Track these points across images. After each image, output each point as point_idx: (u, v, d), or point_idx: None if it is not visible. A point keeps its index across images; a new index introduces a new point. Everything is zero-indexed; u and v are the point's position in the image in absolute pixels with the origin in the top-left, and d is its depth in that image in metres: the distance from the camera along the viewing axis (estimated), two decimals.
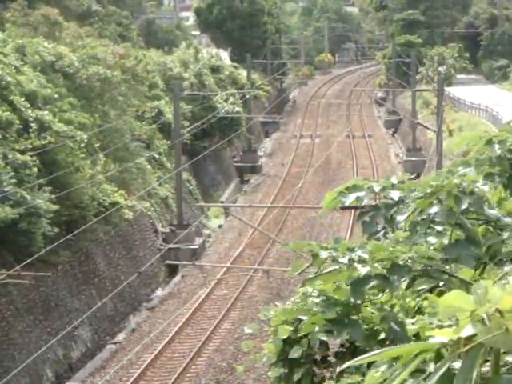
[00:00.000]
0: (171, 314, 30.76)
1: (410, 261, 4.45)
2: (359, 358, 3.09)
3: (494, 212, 4.81)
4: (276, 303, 5.12)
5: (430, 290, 4.87)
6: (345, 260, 4.43)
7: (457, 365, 2.88)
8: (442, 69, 73.14)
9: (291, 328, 4.94)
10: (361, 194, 5.02)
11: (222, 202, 48.63)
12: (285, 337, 4.94)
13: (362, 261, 4.43)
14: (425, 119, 58.99)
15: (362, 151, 64.34)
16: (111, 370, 26.50)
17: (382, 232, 5.08)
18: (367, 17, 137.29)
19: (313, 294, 4.91)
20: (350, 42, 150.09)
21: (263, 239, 40.20)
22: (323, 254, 4.49)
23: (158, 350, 28.08)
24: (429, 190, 4.74)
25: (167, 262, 37.13)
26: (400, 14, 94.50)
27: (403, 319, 4.53)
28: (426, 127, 48.71)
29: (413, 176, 48.94)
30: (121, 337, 30.31)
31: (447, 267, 4.83)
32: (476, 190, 4.76)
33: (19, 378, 24.08)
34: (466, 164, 5.75)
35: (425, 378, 2.97)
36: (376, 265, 4.42)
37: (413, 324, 4.44)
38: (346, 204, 5.08)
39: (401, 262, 4.43)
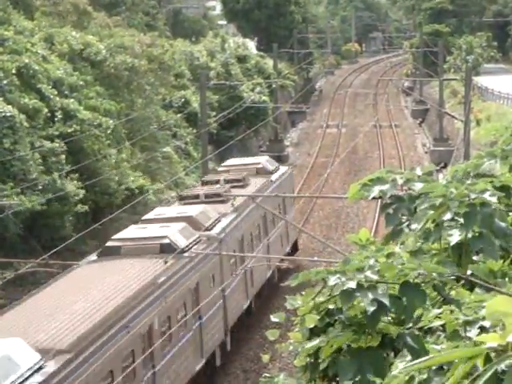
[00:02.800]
0: None
1: (420, 277, 4.43)
2: (414, 362, 3.15)
3: (503, 225, 4.73)
4: (302, 293, 5.14)
5: (457, 280, 4.87)
6: (353, 285, 4.42)
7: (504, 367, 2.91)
8: (469, 58, 72.67)
9: (318, 317, 4.95)
10: (384, 187, 5.00)
11: None
12: (312, 326, 4.96)
13: (372, 286, 4.37)
14: (452, 109, 58.65)
15: (389, 141, 64.09)
16: None
17: (406, 224, 5.06)
18: (395, 5, 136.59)
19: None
20: (377, 32, 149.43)
21: None
22: (332, 281, 4.47)
23: None
24: (438, 202, 4.69)
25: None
26: (428, 3, 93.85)
27: (420, 334, 4.48)
28: (453, 117, 48.42)
29: (440, 166, 48.69)
30: None
31: (476, 259, 4.78)
32: (486, 200, 4.66)
33: None
34: (492, 155, 5.66)
35: (473, 380, 3.00)
36: (384, 287, 4.36)
37: (440, 315, 4.45)
38: (370, 197, 5.06)
39: (411, 280, 4.40)
